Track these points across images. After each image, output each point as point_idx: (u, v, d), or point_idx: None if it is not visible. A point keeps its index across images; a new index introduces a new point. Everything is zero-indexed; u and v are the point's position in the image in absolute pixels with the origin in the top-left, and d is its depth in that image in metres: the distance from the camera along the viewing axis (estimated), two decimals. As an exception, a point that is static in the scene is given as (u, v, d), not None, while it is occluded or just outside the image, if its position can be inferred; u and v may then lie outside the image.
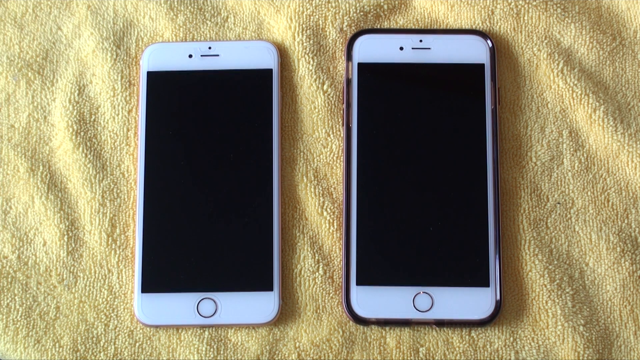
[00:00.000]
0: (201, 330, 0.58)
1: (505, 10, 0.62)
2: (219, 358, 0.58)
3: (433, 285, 0.57)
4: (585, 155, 0.60)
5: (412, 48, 0.61)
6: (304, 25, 0.62)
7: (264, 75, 0.61)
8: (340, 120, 0.61)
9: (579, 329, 0.57)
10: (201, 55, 0.61)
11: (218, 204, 0.58)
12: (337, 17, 0.62)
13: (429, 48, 0.61)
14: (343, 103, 0.60)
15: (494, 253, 0.57)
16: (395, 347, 0.58)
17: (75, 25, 0.63)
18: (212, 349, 0.58)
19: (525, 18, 0.62)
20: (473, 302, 0.57)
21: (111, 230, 0.60)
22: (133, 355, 0.58)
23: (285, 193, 0.60)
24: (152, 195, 0.59)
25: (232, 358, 0.58)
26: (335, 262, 0.59)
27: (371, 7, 0.62)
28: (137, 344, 0.58)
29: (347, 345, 0.58)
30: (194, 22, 0.63)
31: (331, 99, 0.61)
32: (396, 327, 0.58)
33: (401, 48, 0.61)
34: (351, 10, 0.62)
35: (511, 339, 0.57)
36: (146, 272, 0.58)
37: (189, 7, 0.63)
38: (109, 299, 0.59)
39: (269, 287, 0.58)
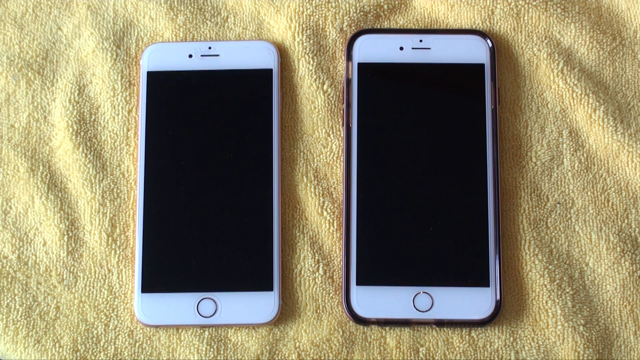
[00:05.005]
0: (201, 330, 0.58)
1: (505, 10, 0.62)
2: (219, 358, 0.58)
3: (433, 285, 0.57)
4: (585, 155, 0.60)
5: (412, 48, 0.61)
6: (304, 25, 0.62)
7: (264, 75, 0.61)
8: (340, 120, 0.61)
9: (579, 329, 0.57)
10: (201, 55, 0.61)
11: (218, 203, 0.58)
12: (337, 17, 0.62)
13: (429, 48, 0.61)
14: (343, 103, 0.60)
15: (494, 253, 0.57)
16: (395, 347, 0.58)
17: (75, 25, 0.63)
18: (212, 349, 0.58)
19: (525, 18, 0.62)
20: (473, 302, 0.57)
21: (111, 230, 0.60)
22: (133, 355, 0.58)
23: (285, 193, 0.60)
24: (152, 195, 0.59)
25: (232, 358, 0.58)
26: (335, 262, 0.59)
27: (371, 7, 0.62)
28: (137, 344, 0.58)
29: (347, 345, 0.58)
30: (194, 22, 0.63)
31: (331, 99, 0.61)
32: (396, 327, 0.58)
33: (401, 48, 0.61)
34: (351, 10, 0.62)
35: (511, 339, 0.57)
36: (146, 272, 0.58)
37: (189, 7, 0.63)
38: (109, 299, 0.59)
39: (269, 287, 0.58)
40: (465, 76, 0.60)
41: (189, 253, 0.58)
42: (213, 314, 0.57)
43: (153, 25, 0.63)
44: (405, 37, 0.61)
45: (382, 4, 0.62)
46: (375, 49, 0.61)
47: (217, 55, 0.61)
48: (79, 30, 0.63)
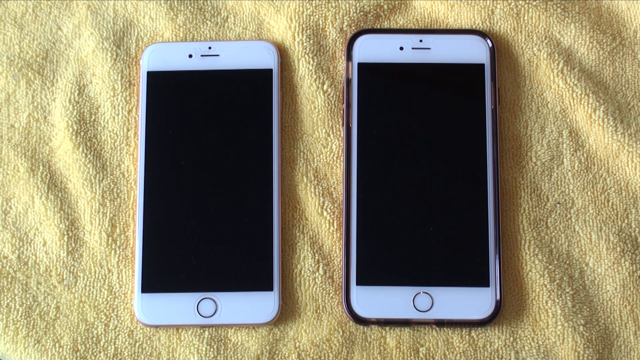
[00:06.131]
0: (201, 330, 0.58)
1: (505, 10, 0.62)
2: (219, 358, 0.58)
3: (433, 285, 0.57)
4: (585, 155, 0.60)
5: (412, 48, 0.61)
6: (304, 25, 0.62)
7: (264, 75, 0.61)
8: (340, 120, 0.61)
9: (579, 329, 0.57)
10: (201, 55, 0.61)
11: (218, 203, 0.58)
12: (337, 17, 0.62)
13: (429, 48, 0.61)
14: (343, 103, 0.60)
15: (494, 253, 0.57)
16: (395, 347, 0.58)
17: (75, 25, 0.63)
18: (212, 349, 0.58)
19: (525, 18, 0.62)
20: (473, 302, 0.57)
21: (111, 230, 0.60)
22: (133, 355, 0.58)
23: (285, 193, 0.60)
24: (152, 195, 0.59)
25: (232, 358, 0.58)
26: (335, 262, 0.59)
27: (371, 7, 0.62)
28: (137, 344, 0.58)
29: (347, 345, 0.58)
30: (194, 22, 0.63)
31: (331, 99, 0.61)
32: (396, 327, 0.58)
33: (401, 48, 0.61)
34: (351, 10, 0.62)
35: (511, 339, 0.57)
36: (146, 272, 0.58)
37: (189, 7, 0.63)
38: (109, 299, 0.59)
39: (269, 287, 0.58)
40: (465, 76, 0.60)
41: (189, 253, 0.58)
42: (213, 314, 0.57)
43: (153, 25, 0.63)
44: (405, 37, 0.61)
45: (382, 4, 0.62)
46: (375, 49, 0.61)
47: (217, 55, 0.61)
48: (79, 30, 0.63)
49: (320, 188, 0.60)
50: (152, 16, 0.63)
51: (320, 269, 0.59)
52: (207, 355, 0.58)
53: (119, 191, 0.60)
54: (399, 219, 0.58)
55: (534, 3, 0.62)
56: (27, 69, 0.62)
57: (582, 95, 0.60)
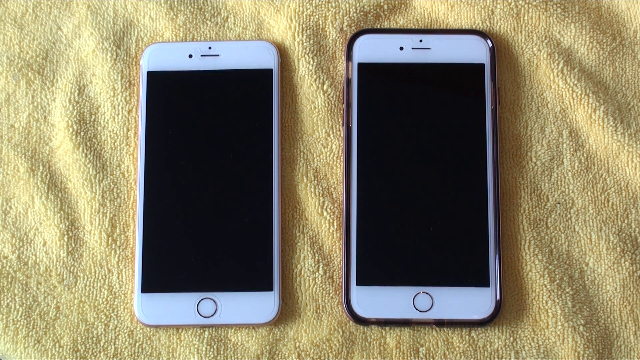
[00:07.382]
0: (201, 330, 0.58)
1: (505, 10, 0.62)
2: (219, 358, 0.58)
3: (433, 285, 0.57)
4: (585, 155, 0.60)
5: (412, 48, 0.61)
6: (304, 25, 0.62)
7: (264, 75, 0.61)
8: (340, 120, 0.61)
9: (579, 329, 0.57)
10: (201, 55, 0.61)
11: (218, 203, 0.58)
12: (337, 17, 0.62)
13: (429, 48, 0.61)
14: (343, 103, 0.60)
15: (494, 253, 0.57)
16: (395, 347, 0.58)
17: (75, 25, 0.63)
18: (212, 349, 0.58)
19: (525, 18, 0.62)
20: (473, 302, 0.57)
21: (111, 230, 0.60)
22: (133, 355, 0.58)
23: (285, 193, 0.60)
24: (152, 195, 0.59)
25: (232, 358, 0.58)
26: (335, 262, 0.59)
27: (371, 7, 0.62)
28: (137, 344, 0.58)
29: (347, 345, 0.58)
30: (194, 22, 0.63)
31: (331, 99, 0.61)
32: (396, 327, 0.58)
33: (401, 48, 0.61)
34: (351, 10, 0.62)
35: (511, 339, 0.57)
36: (146, 272, 0.58)
37: (189, 7, 0.63)
38: (109, 299, 0.59)
39: (269, 287, 0.58)
40: (465, 76, 0.60)
41: (189, 253, 0.58)
42: (213, 314, 0.57)
43: (153, 25, 0.63)
44: (405, 37, 0.61)
45: (382, 4, 0.62)
46: (375, 49, 0.61)
47: (217, 55, 0.61)
48: (79, 30, 0.63)
49: (320, 188, 0.60)
50: (152, 16, 0.63)
51: (320, 269, 0.59)
52: (207, 355, 0.58)
53: (119, 191, 0.60)
54: (398, 219, 0.58)
55: (534, 3, 0.62)
56: (27, 69, 0.62)
57: (582, 95, 0.60)
